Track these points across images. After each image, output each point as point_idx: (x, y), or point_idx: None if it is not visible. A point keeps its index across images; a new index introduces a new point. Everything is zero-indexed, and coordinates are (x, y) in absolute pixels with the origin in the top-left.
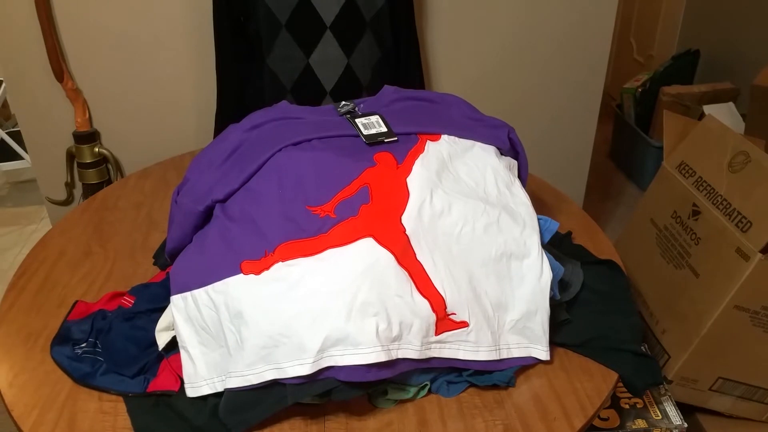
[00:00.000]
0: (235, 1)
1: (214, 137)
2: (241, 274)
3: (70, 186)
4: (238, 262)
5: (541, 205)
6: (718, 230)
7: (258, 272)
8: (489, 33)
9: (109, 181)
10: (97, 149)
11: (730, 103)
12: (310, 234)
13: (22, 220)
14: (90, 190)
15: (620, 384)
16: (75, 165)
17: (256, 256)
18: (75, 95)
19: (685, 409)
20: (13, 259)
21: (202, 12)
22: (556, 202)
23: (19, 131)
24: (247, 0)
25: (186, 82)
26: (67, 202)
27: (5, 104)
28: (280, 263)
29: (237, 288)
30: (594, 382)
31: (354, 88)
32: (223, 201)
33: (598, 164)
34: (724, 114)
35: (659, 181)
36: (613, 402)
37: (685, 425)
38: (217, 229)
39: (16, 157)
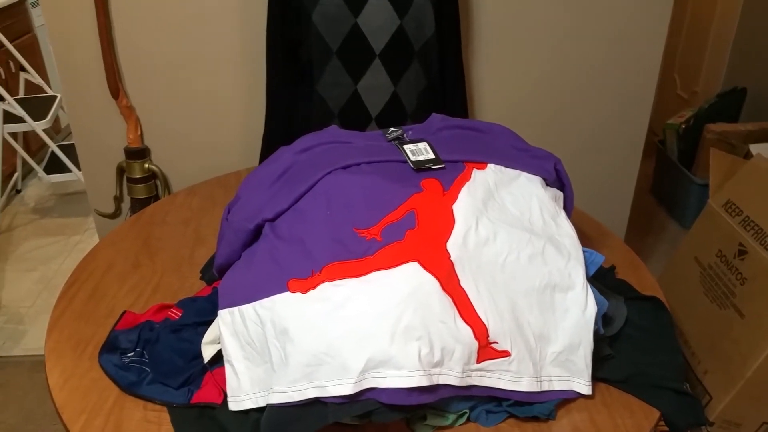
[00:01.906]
0: (288, 27)
1: (261, 158)
2: (288, 292)
3: (118, 200)
4: (285, 280)
5: (583, 238)
6: (766, 271)
7: (305, 291)
8: (534, 65)
9: (156, 197)
10: (146, 165)
11: None
12: (356, 256)
13: (67, 230)
14: (138, 205)
15: (661, 422)
16: (124, 180)
17: (303, 275)
18: (128, 112)
19: None
20: (58, 267)
21: (255, 37)
22: (598, 236)
23: (67, 144)
24: (300, 26)
25: (236, 104)
26: (115, 215)
27: (57, 119)
28: (327, 283)
29: (283, 305)
30: (635, 418)
31: (399, 115)
32: (273, 220)
33: (640, 199)
34: None
35: (704, 219)
36: None
37: None
38: (265, 247)
39: (65, 169)
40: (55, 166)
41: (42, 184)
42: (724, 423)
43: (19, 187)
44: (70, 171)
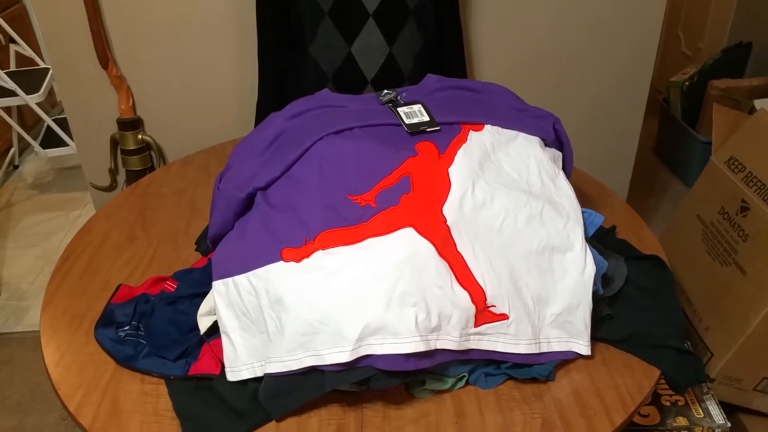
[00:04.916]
0: None
1: (255, 126)
2: (282, 262)
3: (113, 172)
4: (278, 249)
5: (584, 198)
6: None
7: (298, 260)
8: (533, 21)
9: (151, 168)
10: (140, 136)
11: None
12: (350, 223)
13: (67, 205)
14: (133, 177)
15: (662, 381)
16: (119, 151)
17: (296, 244)
18: (119, 82)
19: (728, 408)
20: (59, 243)
21: (245, 0)
22: (599, 196)
23: (64, 118)
24: None
25: (228, 70)
26: (111, 188)
27: (51, 92)
28: (321, 251)
29: (277, 275)
30: (635, 378)
31: (395, 77)
32: (265, 188)
33: (643, 159)
34: None
35: (707, 177)
36: (654, 399)
37: (728, 425)
38: (258, 217)
39: (62, 143)
40: (51, 140)
41: (40, 159)
42: (725, 379)
43: (16, 163)
44: (67, 145)
